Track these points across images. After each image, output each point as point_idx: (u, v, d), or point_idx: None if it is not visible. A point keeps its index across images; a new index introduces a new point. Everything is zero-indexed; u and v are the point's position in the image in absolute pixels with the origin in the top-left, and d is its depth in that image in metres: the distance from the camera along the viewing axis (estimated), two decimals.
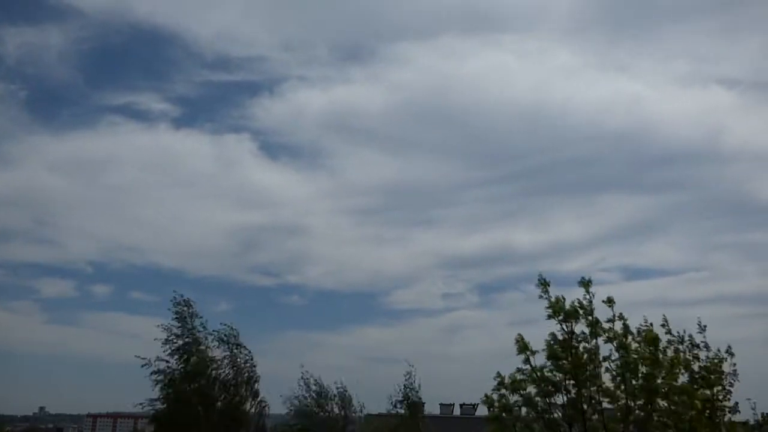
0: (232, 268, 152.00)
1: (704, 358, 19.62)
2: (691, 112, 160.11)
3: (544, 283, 19.86)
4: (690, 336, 19.92)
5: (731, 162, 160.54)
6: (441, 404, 48.68)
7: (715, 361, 19.42)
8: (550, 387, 19.09)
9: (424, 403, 32.75)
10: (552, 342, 19.26)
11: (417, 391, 31.02)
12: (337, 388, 30.03)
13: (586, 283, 19.51)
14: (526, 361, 19.50)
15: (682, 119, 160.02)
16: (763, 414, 28.48)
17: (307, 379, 29.46)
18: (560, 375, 19.11)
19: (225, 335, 25.22)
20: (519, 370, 19.58)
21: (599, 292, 19.43)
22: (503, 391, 19.76)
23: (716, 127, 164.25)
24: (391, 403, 30.67)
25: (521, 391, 19.48)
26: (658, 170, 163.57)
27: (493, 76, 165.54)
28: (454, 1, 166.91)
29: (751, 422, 20.49)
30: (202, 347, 24.69)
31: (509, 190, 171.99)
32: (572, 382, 18.95)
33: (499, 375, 19.91)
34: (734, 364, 19.48)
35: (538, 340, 19.59)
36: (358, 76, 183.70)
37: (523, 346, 19.61)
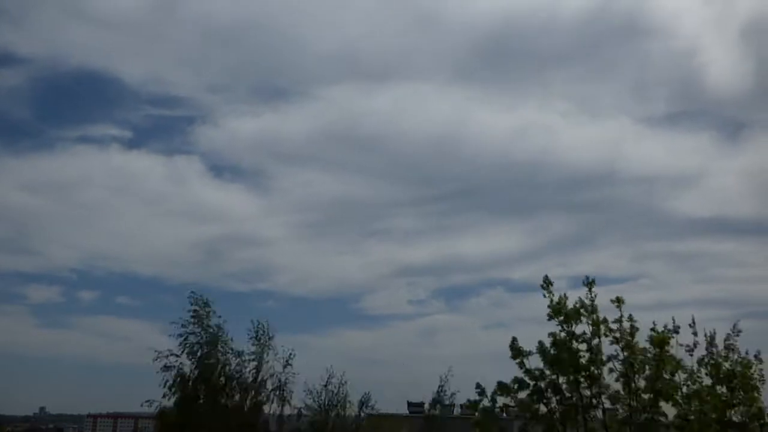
0: (205, 275, 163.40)
1: (731, 362, 19.01)
2: (587, 141, 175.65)
3: (547, 283, 19.64)
4: (711, 337, 19.27)
5: (633, 183, 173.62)
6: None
7: (742, 365, 18.87)
8: (546, 388, 19.05)
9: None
10: (550, 343, 19.10)
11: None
12: (341, 386, 30.05)
13: (589, 283, 19.21)
14: (521, 364, 19.39)
15: (580, 147, 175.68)
16: None
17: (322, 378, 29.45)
18: (556, 376, 19.00)
19: (256, 332, 24.85)
20: (516, 379, 19.45)
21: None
22: (501, 397, 19.66)
23: (612, 153, 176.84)
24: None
25: (514, 396, 19.39)
26: (569, 192, 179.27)
27: (402, 111, 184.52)
28: (350, 54, 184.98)
29: None
30: (220, 347, 24.24)
31: (441, 207, 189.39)
32: (570, 382, 18.90)
33: (478, 386, 19.91)
34: (761, 369, 19.01)
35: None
36: (281, 108, 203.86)
37: (516, 351, 19.49)
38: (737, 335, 19.25)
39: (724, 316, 18.94)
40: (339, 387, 29.40)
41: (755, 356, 19.10)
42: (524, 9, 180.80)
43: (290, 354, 25.09)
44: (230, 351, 24.35)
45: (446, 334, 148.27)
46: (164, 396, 23.34)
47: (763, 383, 18.96)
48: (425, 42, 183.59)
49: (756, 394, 18.76)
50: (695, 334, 19.20)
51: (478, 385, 19.98)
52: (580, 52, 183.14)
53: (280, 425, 26.46)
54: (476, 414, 20.09)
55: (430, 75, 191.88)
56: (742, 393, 18.59)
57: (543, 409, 19.15)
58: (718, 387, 18.50)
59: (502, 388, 19.54)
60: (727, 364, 18.88)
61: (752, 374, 18.84)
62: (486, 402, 19.66)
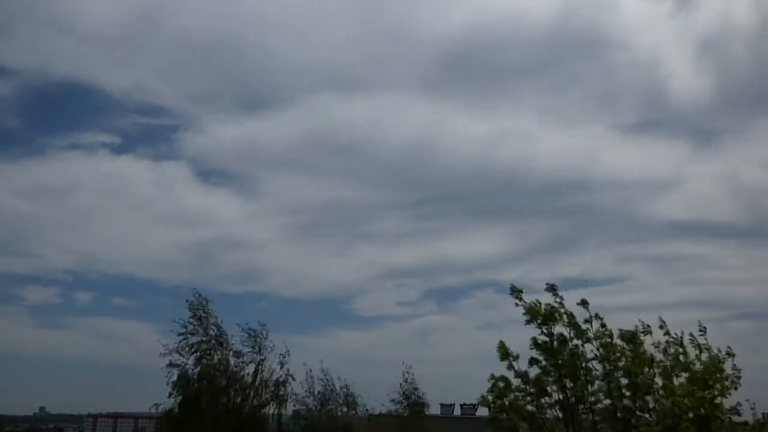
0: (198, 277, 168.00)
1: (705, 359, 19.40)
2: (561, 149, 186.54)
3: (516, 290, 19.90)
4: (692, 336, 19.75)
5: (610, 188, 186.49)
6: (441, 404, 48.80)
7: (715, 362, 19.23)
8: (538, 391, 19.10)
9: (426, 403, 32.91)
10: (534, 346, 19.32)
11: (417, 391, 31.18)
12: (341, 388, 30.05)
13: (552, 287, 19.69)
14: (510, 367, 19.53)
15: (554, 154, 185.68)
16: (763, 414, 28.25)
17: (312, 378, 29.45)
18: (549, 378, 19.16)
19: (253, 333, 24.92)
20: (502, 377, 19.54)
21: (543, 300, 19.74)
22: (496, 394, 19.73)
23: (587, 160, 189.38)
24: (393, 402, 30.83)
25: (505, 398, 19.47)
26: (548, 198, 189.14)
27: (379, 119, 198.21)
28: (326, 65, 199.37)
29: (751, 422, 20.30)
30: (220, 347, 24.32)
31: (424, 211, 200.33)
32: (561, 384, 18.99)
33: (493, 377, 19.88)
34: (735, 365, 19.35)
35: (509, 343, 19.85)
36: (263, 116, 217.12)
37: (504, 353, 19.62)
38: (703, 333, 19.72)
39: (709, 318, 19.58)
40: (331, 387, 29.48)
41: (726, 353, 19.45)
42: (488, 24, 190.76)
43: (284, 355, 25.14)
44: (230, 352, 24.41)
45: (440, 334, 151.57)
46: (169, 395, 23.46)
47: (739, 378, 19.24)
48: (396, 54, 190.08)
49: (731, 390, 19.05)
50: (668, 333, 19.64)
51: (492, 376, 19.86)
52: (544, 65, 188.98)
53: (279, 425, 26.46)
54: (494, 409, 19.90)
55: (403, 85, 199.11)
56: (716, 390, 18.87)
57: (531, 408, 19.30)
58: (691, 385, 18.76)
59: (493, 387, 19.65)
60: (698, 363, 19.29)
61: (724, 371, 19.16)
62: (503, 398, 19.62)
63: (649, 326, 19.61)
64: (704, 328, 19.88)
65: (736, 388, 19.07)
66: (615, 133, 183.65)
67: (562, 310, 19.48)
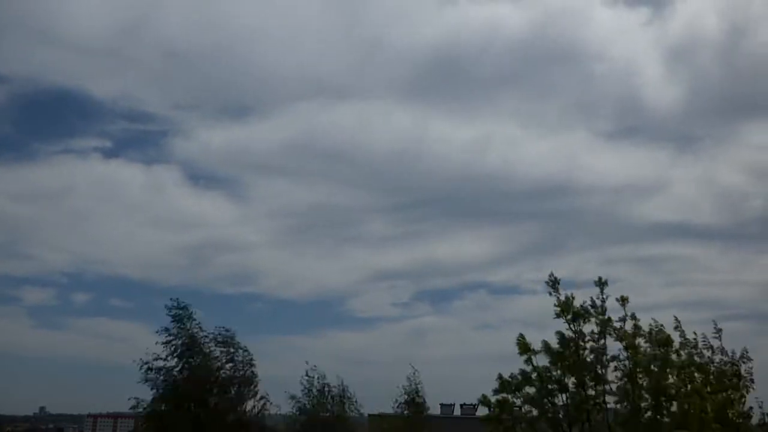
0: (193, 279, 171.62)
1: (719, 361, 19.37)
2: (544, 155, 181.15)
3: (554, 282, 19.75)
4: (705, 337, 19.61)
5: (595, 192, 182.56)
6: (441, 404, 48.69)
7: (731, 365, 19.17)
8: (553, 387, 19.02)
9: (427, 404, 32.90)
10: (557, 342, 19.11)
11: (419, 393, 31.20)
12: (337, 387, 30.00)
13: (602, 283, 19.43)
14: (528, 361, 19.39)
15: (537, 160, 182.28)
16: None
17: (311, 377, 29.41)
18: (564, 375, 19.02)
19: (222, 336, 25.21)
20: (522, 372, 19.44)
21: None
22: (504, 394, 19.62)
23: (570, 166, 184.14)
24: (397, 404, 30.85)
25: (521, 391, 19.40)
26: (533, 202, 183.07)
27: (362, 125, 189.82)
28: (307, 74, 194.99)
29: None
30: (202, 348, 24.60)
31: (410, 214, 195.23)
32: (576, 381, 18.88)
33: (500, 377, 19.79)
34: (750, 368, 19.29)
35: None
36: (248, 122, 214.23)
37: (524, 347, 19.48)
38: (719, 336, 19.61)
39: (700, 319, 19.69)
40: (328, 388, 29.44)
41: (742, 356, 19.41)
42: (465, 35, 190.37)
43: (249, 356, 25.29)
44: (210, 353, 24.68)
45: (436, 335, 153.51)
46: (153, 400, 23.62)
47: (752, 382, 19.26)
48: (377, 64, 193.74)
49: (746, 393, 19.08)
50: (683, 335, 19.41)
51: (499, 377, 19.72)
52: (519, 75, 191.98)
53: (263, 426, 26.51)
54: (492, 410, 19.79)
55: (385, 93, 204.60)
56: (734, 392, 18.81)
57: (549, 406, 19.11)
58: (708, 387, 18.58)
59: (506, 384, 19.48)
60: (713, 365, 19.19)
61: (742, 374, 19.17)
62: (505, 398, 19.51)
63: (663, 326, 19.27)
64: (719, 329, 19.70)
65: (748, 391, 19.05)
66: (596, 140, 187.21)
67: (594, 309, 19.13)
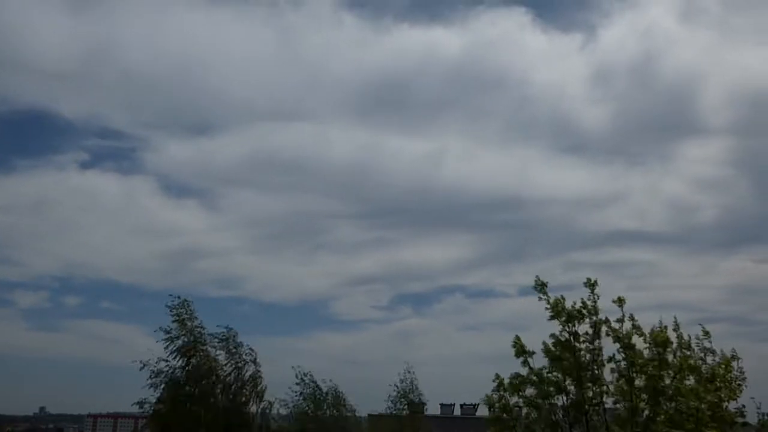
0: (177, 283, 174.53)
1: (711, 361, 19.64)
2: (495, 170, 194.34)
3: (540, 285, 19.75)
4: (698, 338, 19.89)
5: (549, 204, 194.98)
6: (441, 404, 48.75)
7: (723, 365, 19.35)
8: (550, 388, 19.03)
9: (425, 403, 32.92)
10: (553, 343, 19.16)
11: (415, 391, 31.21)
12: (329, 388, 29.96)
13: (591, 284, 19.37)
14: (525, 363, 19.40)
15: (489, 175, 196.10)
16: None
17: (304, 378, 29.38)
18: (561, 376, 19.04)
19: (224, 336, 25.11)
20: (517, 374, 19.44)
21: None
22: (503, 393, 19.65)
23: (521, 180, 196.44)
24: (391, 401, 30.84)
25: (520, 393, 19.41)
26: (489, 213, 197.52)
27: (317, 141, 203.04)
28: (260, 98, 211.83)
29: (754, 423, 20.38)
30: (204, 347, 24.48)
31: (379, 222, 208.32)
32: (573, 382, 18.89)
33: (497, 377, 19.76)
34: (741, 368, 19.55)
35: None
36: (213, 136, 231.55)
37: (520, 349, 19.49)
38: (707, 337, 20.01)
39: (668, 323, 20.22)
40: (318, 389, 29.46)
41: (732, 356, 19.70)
42: (402, 60, 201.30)
43: (254, 356, 25.27)
44: (211, 352, 24.63)
45: (423, 337, 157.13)
46: (157, 401, 23.54)
47: (745, 380, 19.55)
48: (323, 88, 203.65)
49: (739, 393, 19.32)
50: (680, 336, 19.57)
51: (497, 377, 19.69)
52: (456, 99, 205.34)
53: (264, 425, 26.54)
54: (494, 410, 19.72)
55: (334, 115, 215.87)
56: (725, 392, 19.01)
57: (547, 406, 19.12)
58: (702, 387, 18.64)
59: (508, 384, 19.46)
60: (705, 366, 19.45)
61: (733, 373, 19.46)
62: (505, 398, 19.46)
63: (665, 327, 19.27)
64: (707, 332, 20.00)
65: (741, 390, 19.19)
66: (540, 157, 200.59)
67: (587, 310, 19.07)
